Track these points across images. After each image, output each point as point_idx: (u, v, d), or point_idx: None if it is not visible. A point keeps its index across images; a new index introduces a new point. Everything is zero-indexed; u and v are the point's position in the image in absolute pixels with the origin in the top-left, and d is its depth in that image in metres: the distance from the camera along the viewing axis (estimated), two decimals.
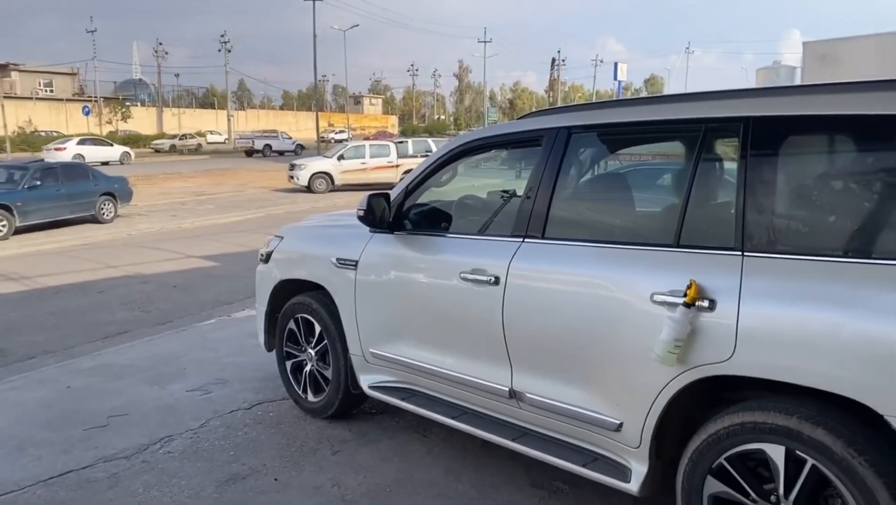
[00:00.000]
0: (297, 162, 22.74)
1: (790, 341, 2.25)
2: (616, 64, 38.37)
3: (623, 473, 2.77)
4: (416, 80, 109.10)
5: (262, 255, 4.55)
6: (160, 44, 76.14)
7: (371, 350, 3.78)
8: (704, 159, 2.65)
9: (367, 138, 39.93)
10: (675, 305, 2.47)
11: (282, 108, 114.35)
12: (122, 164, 37.03)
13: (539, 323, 2.98)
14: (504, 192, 3.69)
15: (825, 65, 8.98)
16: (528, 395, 3.05)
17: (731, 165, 2.56)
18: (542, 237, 3.05)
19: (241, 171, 31.48)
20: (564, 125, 3.11)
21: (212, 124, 69.16)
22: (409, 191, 3.70)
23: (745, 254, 2.42)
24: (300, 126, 74.67)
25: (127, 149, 40.12)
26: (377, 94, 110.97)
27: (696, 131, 2.68)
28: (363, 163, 22.01)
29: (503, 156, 4.68)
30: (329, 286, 3.98)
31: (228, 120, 63.51)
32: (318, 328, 4.14)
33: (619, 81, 37.60)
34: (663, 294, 2.54)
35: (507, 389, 3.13)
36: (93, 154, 35.56)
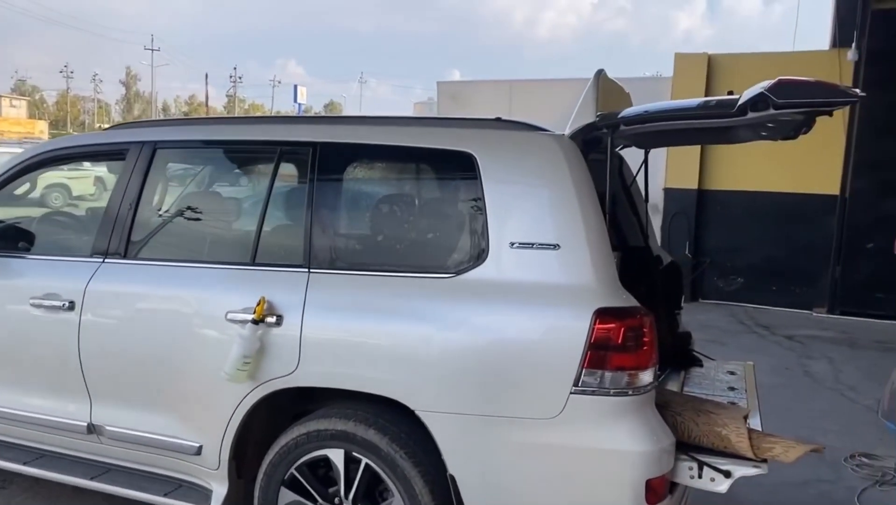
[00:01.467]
0: None
1: (342, 350, 2.45)
2: (296, 86, 38.63)
3: (205, 497, 2.72)
4: (73, 83, 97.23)
5: None
6: None
7: None
8: (279, 181, 2.77)
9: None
10: (245, 321, 2.52)
11: None
12: None
13: (117, 349, 2.81)
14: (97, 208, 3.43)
15: (455, 103, 10.21)
16: (108, 427, 2.85)
17: (301, 187, 2.71)
18: (124, 257, 2.89)
19: None
20: (150, 139, 3.00)
21: None
22: None
23: (311, 271, 2.57)
24: None
25: None
26: (21, 96, 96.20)
27: (272, 153, 2.79)
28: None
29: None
30: None
31: None
32: None
33: (300, 104, 38.03)
34: (236, 312, 2.57)
35: (86, 424, 2.88)
36: None
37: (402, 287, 2.44)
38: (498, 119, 2.62)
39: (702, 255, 9.12)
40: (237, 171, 3.51)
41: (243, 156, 3.18)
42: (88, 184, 18.18)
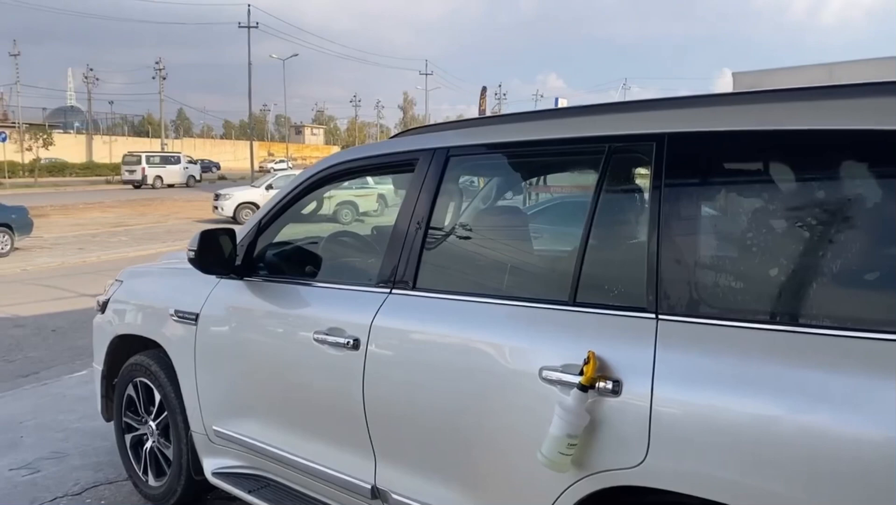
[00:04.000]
0: (222, 192, 21.70)
1: (721, 442, 1.61)
2: (556, 99, 38.47)
3: None
4: (360, 110, 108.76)
5: (98, 302, 3.73)
6: (90, 69, 74.04)
7: (214, 427, 3.01)
8: (608, 190, 2.02)
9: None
10: (568, 385, 1.82)
11: (222, 137, 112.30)
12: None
13: (405, 400, 2.29)
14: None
15: None
16: (394, 495, 2.34)
17: (642, 198, 1.94)
18: (413, 288, 2.37)
19: (168, 202, 30.08)
20: (442, 145, 2.46)
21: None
22: (263, 227, 2.97)
23: (661, 317, 1.79)
24: (238, 155, 73.24)
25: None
26: (319, 125, 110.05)
27: (597, 153, 2.05)
28: None
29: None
30: (166, 344, 3.20)
31: (162, 148, 61.51)
32: (157, 396, 3.34)
33: None
34: (555, 370, 1.88)
35: (370, 486, 2.41)
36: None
37: (823, 351, 1.53)
38: None
39: None
40: (549, 179, 2.86)
41: (557, 159, 2.49)
42: (372, 200, 19.43)
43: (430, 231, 2.39)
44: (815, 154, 1.72)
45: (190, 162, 45.80)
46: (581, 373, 1.80)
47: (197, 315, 3.02)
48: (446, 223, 2.49)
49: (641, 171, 1.98)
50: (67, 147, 61.05)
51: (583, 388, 1.78)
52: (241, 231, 2.99)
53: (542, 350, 1.96)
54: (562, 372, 1.86)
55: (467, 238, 2.50)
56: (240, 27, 48.21)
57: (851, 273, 1.63)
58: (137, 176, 39.78)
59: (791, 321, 1.62)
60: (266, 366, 2.79)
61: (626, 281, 1.92)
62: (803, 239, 1.70)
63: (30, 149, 49.31)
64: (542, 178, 2.88)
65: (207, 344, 2.99)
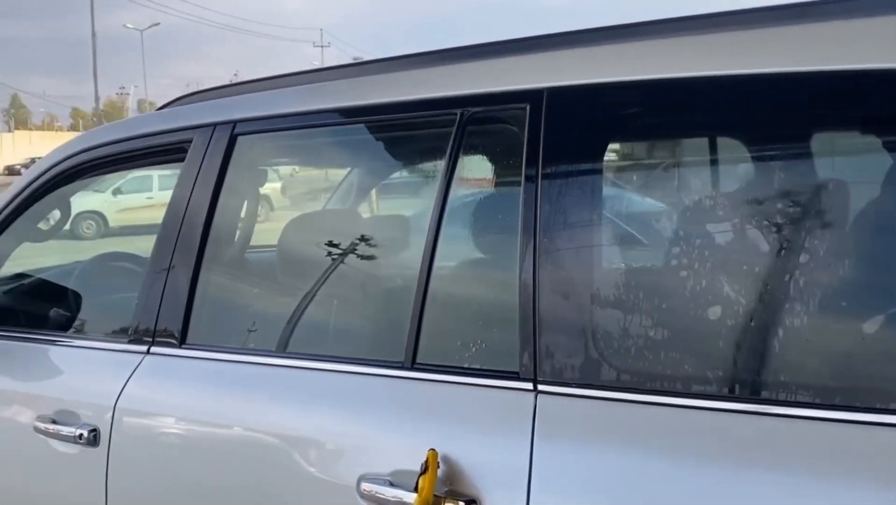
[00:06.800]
0: None
1: None
2: None
3: None
4: None
5: None
6: None
7: None
8: (461, 184, 1.49)
9: None
10: None
11: (71, 128, 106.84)
12: None
13: None
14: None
15: None
16: None
17: (512, 195, 1.42)
18: (182, 344, 1.77)
19: None
20: (224, 119, 1.85)
21: None
22: None
23: (541, 388, 1.27)
24: None
25: None
26: None
27: (445, 126, 1.51)
28: (150, 197, 19.56)
29: None
30: None
31: None
32: None
33: None
34: (377, 481, 1.34)
35: None
36: None
37: (824, 448, 1.06)
38: None
39: None
40: (386, 167, 2.28)
41: (397, 135, 1.90)
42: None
43: (207, 255, 1.79)
44: (813, 114, 1.23)
45: None
46: (416, 487, 1.25)
47: None
48: (234, 242, 1.89)
49: (511, 148, 1.45)
50: None
51: None
52: None
53: (356, 447, 1.41)
54: (389, 485, 1.32)
55: (267, 263, 1.92)
56: None
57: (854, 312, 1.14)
58: None
59: (774, 396, 1.12)
60: None
61: (489, 328, 1.39)
62: (777, 257, 1.20)
63: None
64: (383, 165, 2.30)
65: None
